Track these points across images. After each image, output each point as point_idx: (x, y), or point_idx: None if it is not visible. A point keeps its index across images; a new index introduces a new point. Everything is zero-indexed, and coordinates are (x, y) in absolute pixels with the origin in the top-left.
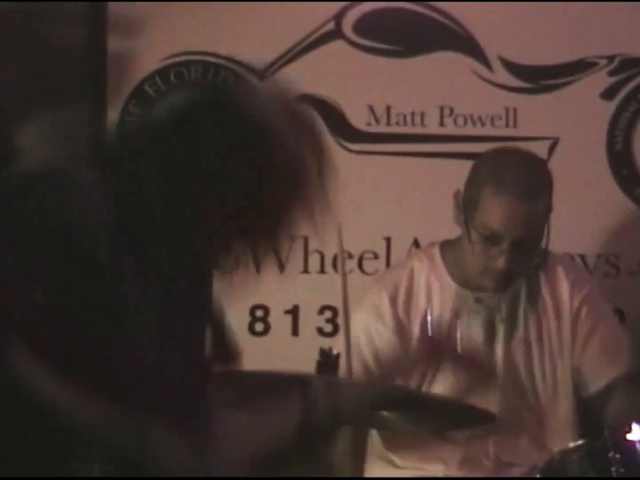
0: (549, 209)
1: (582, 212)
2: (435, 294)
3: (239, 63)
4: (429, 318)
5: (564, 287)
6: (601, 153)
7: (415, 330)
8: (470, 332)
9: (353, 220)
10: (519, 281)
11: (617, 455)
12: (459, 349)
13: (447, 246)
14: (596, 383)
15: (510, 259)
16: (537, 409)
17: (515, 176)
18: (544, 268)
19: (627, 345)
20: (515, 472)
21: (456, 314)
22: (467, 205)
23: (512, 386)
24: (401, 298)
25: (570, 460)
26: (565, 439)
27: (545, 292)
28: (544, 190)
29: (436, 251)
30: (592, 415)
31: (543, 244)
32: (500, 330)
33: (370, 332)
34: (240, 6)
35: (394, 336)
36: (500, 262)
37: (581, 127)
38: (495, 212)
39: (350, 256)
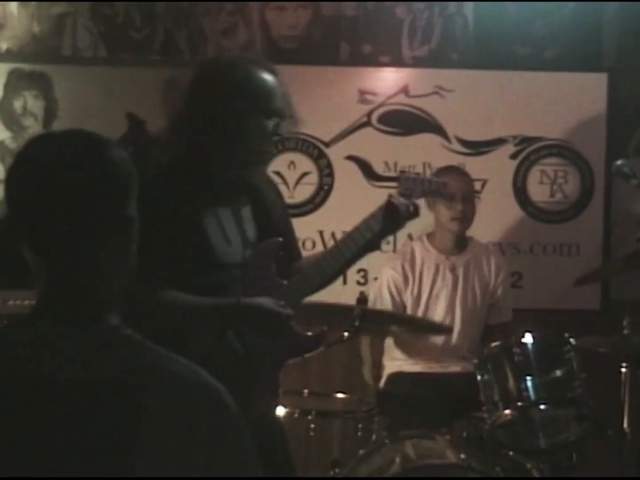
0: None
1: (491, 219)
2: (425, 257)
3: (314, 137)
4: (421, 270)
5: (492, 259)
6: (509, 188)
7: (416, 276)
8: (444, 277)
9: None
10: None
11: (518, 350)
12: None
13: (429, 235)
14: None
15: (463, 214)
16: (474, 326)
17: (451, 169)
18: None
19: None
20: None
21: (437, 268)
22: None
23: (464, 310)
24: (407, 260)
25: (493, 353)
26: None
27: (484, 258)
28: (469, 177)
29: (424, 237)
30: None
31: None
32: (461, 279)
33: (389, 279)
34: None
35: (402, 281)
36: (455, 225)
37: (500, 174)
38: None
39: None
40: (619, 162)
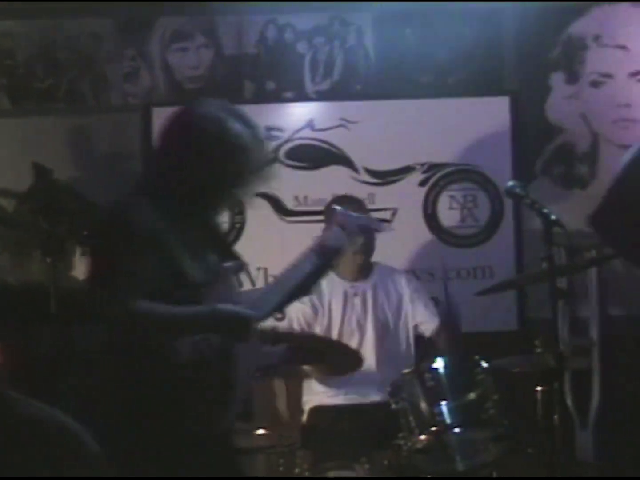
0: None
1: (404, 247)
2: (331, 287)
3: None
4: (329, 300)
5: (399, 279)
6: (420, 216)
7: (325, 307)
8: (352, 304)
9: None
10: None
11: (429, 375)
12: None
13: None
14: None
15: (365, 246)
16: (392, 348)
17: (345, 201)
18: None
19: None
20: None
21: (345, 296)
22: None
23: (377, 334)
24: None
25: (405, 380)
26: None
27: (390, 280)
28: (364, 206)
29: None
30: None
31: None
32: (369, 302)
33: (298, 312)
34: None
35: (312, 313)
36: (358, 258)
37: (410, 202)
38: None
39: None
40: (510, 183)
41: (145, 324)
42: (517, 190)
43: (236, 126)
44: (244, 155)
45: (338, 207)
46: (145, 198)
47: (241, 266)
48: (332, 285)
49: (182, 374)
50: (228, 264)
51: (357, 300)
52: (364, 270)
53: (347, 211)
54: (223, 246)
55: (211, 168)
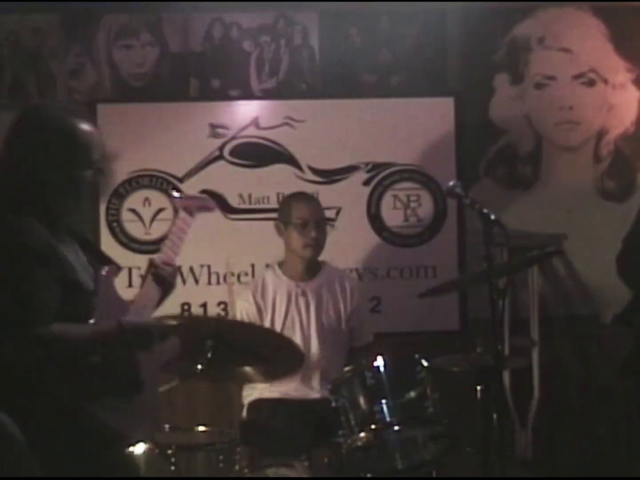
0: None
1: (347, 246)
2: (277, 286)
3: (167, 173)
4: (274, 299)
5: (346, 283)
6: (363, 215)
7: (269, 305)
8: (296, 304)
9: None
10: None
11: (369, 373)
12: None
13: (280, 263)
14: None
15: (316, 240)
16: (336, 349)
17: (302, 196)
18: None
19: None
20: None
21: (288, 295)
22: (283, 219)
23: (320, 334)
24: (259, 291)
25: (346, 378)
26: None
27: (338, 282)
28: (319, 203)
29: (275, 265)
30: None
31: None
32: (312, 305)
33: (242, 311)
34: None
35: (256, 312)
36: (308, 251)
37: (353, 201)
38: (300, 208)
39: (233, 274)
40: (450, 183)
41: (58, 348)
42: (457, 190)
43: (80, 124)
44: (94, 150)
45: (176, 194)
46: (21, 212)
47: (117, 269)
48: (276, 284)
49: (92, 377)
50: (106, 268)
51: (302, 301)
52: (312, 268)
53: (185, 194)
54: (94, 250)
55: (68, 167)
